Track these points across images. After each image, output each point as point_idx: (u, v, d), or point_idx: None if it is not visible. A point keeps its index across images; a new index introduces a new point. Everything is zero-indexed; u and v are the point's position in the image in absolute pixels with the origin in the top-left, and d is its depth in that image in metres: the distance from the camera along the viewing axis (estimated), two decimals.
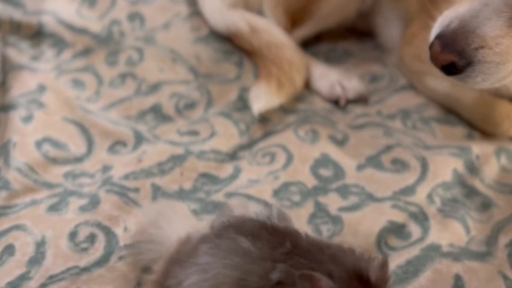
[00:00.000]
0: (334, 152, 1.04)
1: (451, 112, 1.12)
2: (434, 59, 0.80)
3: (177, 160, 1.00)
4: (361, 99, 1.17)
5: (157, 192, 0.96)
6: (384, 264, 0.71)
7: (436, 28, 0.81)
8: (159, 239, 0.81)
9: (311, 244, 0.73)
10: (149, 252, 0.81)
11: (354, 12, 1.21)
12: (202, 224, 0.83)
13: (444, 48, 0.78)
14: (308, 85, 1.19)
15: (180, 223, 0.83)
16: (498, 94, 1.05)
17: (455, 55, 0.78)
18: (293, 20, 1.20)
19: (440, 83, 1.10)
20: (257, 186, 0.97)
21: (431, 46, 0.80)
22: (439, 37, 0.79)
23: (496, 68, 0.78)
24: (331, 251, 0.72)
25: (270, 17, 1.20)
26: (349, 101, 1.16)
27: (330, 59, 1.27)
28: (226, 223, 0.76)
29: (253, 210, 0.81)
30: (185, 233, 0.79)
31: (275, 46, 1.15)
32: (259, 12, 1.22)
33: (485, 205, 0.98)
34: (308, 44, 1.28)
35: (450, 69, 0.80)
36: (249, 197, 0.95)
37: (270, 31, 1.17)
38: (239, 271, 0.69)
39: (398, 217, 0.94)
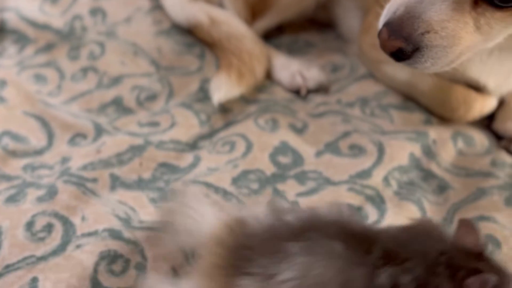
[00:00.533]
0: (294, 140, 1.05)
1: (410, 99, 1.14)
2: (383, 46, 0.81)
3: (136, 150, 1.01)
4: (321, 88, 1.18)
5: (116, 182, 0.96)
6: (471, 226, 0.73)
7: (384, 16, 0.82)
8: (188, 225, 0.80)
9: (393, 238, 0.73)
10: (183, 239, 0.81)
11: (313, 3, 1.22)
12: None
13: (392, 35, 0.79)
14: (270, 76, 1.20)
15: (201, 206, 0.82)
16: (455, 80, 1.07)
17: (402, 41, 0.79)
18: (253, 12, 1.21)
19: (398, 70, 1.11)
20: (216, 174, 0.98)
21: (380, 34, 0.81)
22: (386, 24, 0.80)
23: (443, 52, 0.80)
24: (413, 235, 0.73)
25: (230, 9, 1.21)
26: (310, 91, 1.17)
27: (292, 50, 1.28)
28: (303, 222, 0.76)
29: (323, 206, 0.80)
30: (219, 217, 0.79)
31: (235, 37, 1.16)
32: (220, 4, 1.23)
33: (441, 188, 0.99)
34: (270, 36, 1.29)
35: (399, 55, 0.81)
36: (208, 185, 0.96)
37: (229, 22, 1.18)
38: (342, 275, 0.69)
39: (355, 200, 0.95)
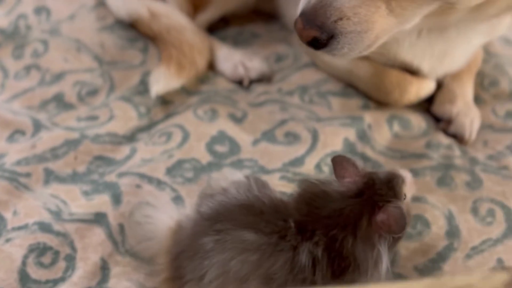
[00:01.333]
0: (231, 129, 1.06)
1: (350, 86, 1.14)
2: (299, 36, 0.82)
3: (71, 144, 1.01)
4: (264, 78, 1.19)
5: (50, 176, 0.97)
6: (345, 160, 0.79)
7: (300, 5, 0.83)
8: (149, 231, 0.82)
9: (297, 208, 0.76)
10: (145, 246, 0.82)
11: None
12: (186, 210, 0.85)
13: (306, 24, 0.80)
14: (213, 67, 1.21)
15: (164, 212, 0.84)
16: (390, 64, 1.08)
17: (316, 30, 0.79)
18: (195, 5, 1.22)
19: (336, 58, 1.12)
20: (150, 165, 0.99)
21: (295, 24, 0.82)
22: (301, 14, 0.81)
23: (358, 37, 0.80)
24: (310, 201, 0.76)
25: (172, 2, 1.21)
26: (253, 81, 1.18)
27: (238, 42, 1.29)
28: (215, 211, 0.77)
29: (231, 187, 0.82)
30: (172, 221, 0.81)
31: (175, 29, 1.16)
32: None
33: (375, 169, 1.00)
34: (216, 28, 1.30)
35: (316, 44, 0.81)
36: (141, 176, 0.97)
37: (169, 15, 1.18)
38: (262, 268, 0.71)
39: (286, 187, 0.95)
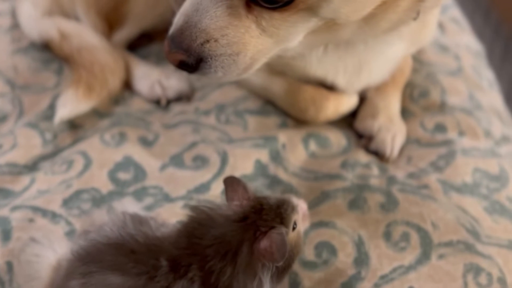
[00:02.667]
0: (139, 154, 1.00)
1: (269, 103, 1.09)
2: (168, 59, 0.77)
3: None
4: (183, 97, 1.13)
5: None
6: (236, 182, 0.74)
7: (171, 27, 0.78)
8: (35, 270, 0.77)
9: (175, 242, 0.71)
10: (30, 286, 0.77)
11: (169, 9, 1.17)
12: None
13: (173, 48, 0.75)
14: (130, 87, 1.16)
15: (52, 249, 0.79)
16: (305, 80, 1.02)
17: (182, 53, 0.74)
18: (109, 24, 1.16)
19: (252, 75, 1.07)
20: (46, 196, 0.93)
21: (164, 47, 0.77)
22: (169, 37, 0.76)
23: (231, 60, 0.75)
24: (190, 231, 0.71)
25: (85, 21, 1.16)
26: (171, 100, 1.13)
27: (162, 59, 1.23)
28: (85, 251, 0.72)
29: (106, 225, 0.77)
30: (56, 259, 0.76)
31: (86, 50, 1.11)
32: (77, 17, 1.18)
33: (287, 193, 0.94)
34: (139, 45, 1.25)
35: (185, 68, 0.76)
36: (35, 209, 0.91)
37: (81, 35, 1.13)
38: None
39: None
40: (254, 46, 0.74)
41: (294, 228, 0.74)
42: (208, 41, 0.73)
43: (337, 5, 0.70)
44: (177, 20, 0.75)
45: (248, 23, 0.72)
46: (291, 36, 0.75)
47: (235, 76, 0.78)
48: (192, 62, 0.74)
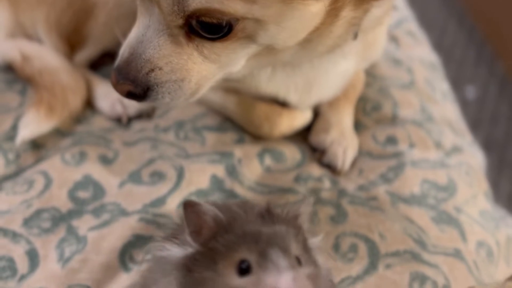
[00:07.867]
0: (98, 172, 1.03)
1: (228, 120, 1.12)
2: (115, 90, 0.80)
3: None
4: (143, 115, 1.16)
5: None
6: (194, 205, 0.68)
7: (116, 59, 0.81)
8: None
9: None
10: None
11: (126, 28, 1.20)
12: None
13: (120, 79, 0.79)
14: (92, 106, 1.18)
15: None
16: (259, 97, 1.06)
17: (129, 84, 0.78)
18: (71, 44, 1.19)
19: (211, 92, 1.10)
20: (6, 217, 0.96)
21: (111, 78, 0.80)
22: (115, 68, 0.80)
23: (176, 86, 0.79)
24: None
25: (47, 43, 1.19)
26: (132, 118, 1.16)
27: None
28: None
29: None
30: None
31: (47, 71, 1.14)
32: (39, 39, 1.21)
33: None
34: (101, 64, 1.27)
35: (133, 97, 0.80)
36: None
37: (42, 57, 1.16)
38: None
39: (144, 230, 0.93)
40: (197, 72, 0.77)
41: None
42: (153, 70, 0.76)
43: (273, 32, 0.74)
44: (123, 51, 0.79)
45: (190, 51, 0.75)
46: (232, 62, 0.79)
47: (183, 101, 0.81)
48: (139, 92, 0.78)
